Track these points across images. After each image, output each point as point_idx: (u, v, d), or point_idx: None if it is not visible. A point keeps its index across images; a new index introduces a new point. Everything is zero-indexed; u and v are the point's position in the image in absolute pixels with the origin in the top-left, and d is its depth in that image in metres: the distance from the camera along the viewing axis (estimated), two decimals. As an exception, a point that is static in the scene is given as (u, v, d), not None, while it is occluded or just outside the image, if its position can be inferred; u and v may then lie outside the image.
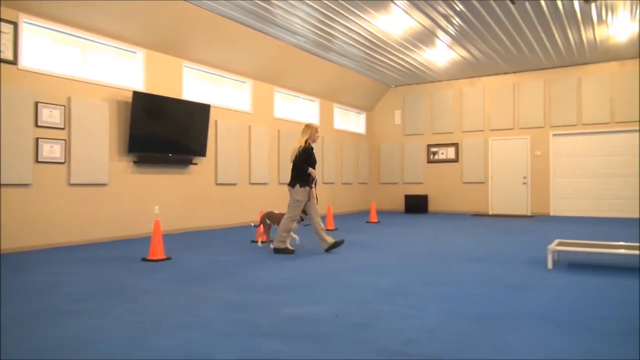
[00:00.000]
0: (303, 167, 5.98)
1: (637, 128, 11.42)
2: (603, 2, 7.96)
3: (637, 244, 5.13)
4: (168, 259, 5.63)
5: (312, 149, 6.10)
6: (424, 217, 12.23)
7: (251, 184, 10.22)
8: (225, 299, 3.70)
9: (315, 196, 6.15)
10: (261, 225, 6.72)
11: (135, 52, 7.97)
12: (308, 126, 6.19)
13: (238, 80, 10.07)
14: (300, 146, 6.05)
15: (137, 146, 7.66)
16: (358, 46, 10.26)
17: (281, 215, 6.45)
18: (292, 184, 6.06)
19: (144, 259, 5.57)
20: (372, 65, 11.99)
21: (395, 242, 7.18)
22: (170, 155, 8.22)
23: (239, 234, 8.30)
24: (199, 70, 9.13)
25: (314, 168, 6.06)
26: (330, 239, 6.13)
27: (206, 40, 8.62)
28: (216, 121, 9.31)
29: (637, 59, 11.40)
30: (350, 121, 14.24)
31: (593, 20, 8.81)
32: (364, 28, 9.08)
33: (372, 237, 7.87)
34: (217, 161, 9.35)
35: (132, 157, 7.77)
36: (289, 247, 6.12)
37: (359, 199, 14.26)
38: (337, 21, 8.68)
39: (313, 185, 6.08)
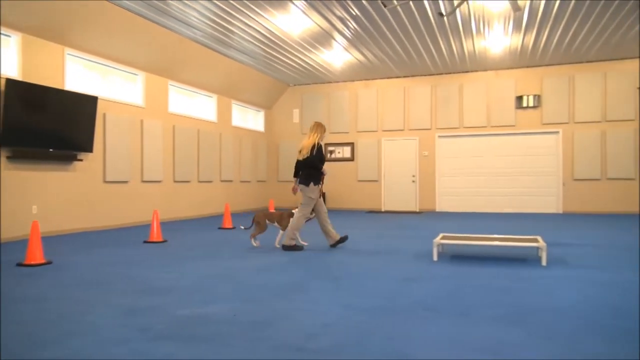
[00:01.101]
0: (318, 165, 6.07)
1: (510, 132, 12.71)
2: (481, 18, 8.73)
3: (510, 236, 5.72)
4: (48, 263, 5.17)
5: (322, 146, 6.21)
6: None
7: (144, 181, 9.73)
8: (115, 304, 3.49)
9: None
10: (254, 226, 6.38)
11: (9, 36, 7.18)
12: (319, 125, 6.27)
13: (129, 72, 9.51)
14: (314, 144, 6.10)
15: (10, 140, 6.92)
16: (257, 43, 10.22)
17: (280, 214, 6.33)
18: (305, 182, 6.07)
19: (20, 264, 5.06)
20: (271, 64, 12.01)
21: (294, 239, 7.27)
22: (50, 150, 7.54)
23: (130, 234, 7.86)
24: (84, 59, 8.47)
25: (323, 165, 6.20)
26: (336, 235, 6.25)
27: (92, 26, 8.03)
28: (104, 114, 8.72)
29: (510, 70, 12.68)
30: (248, 118, 14.13)
31: (472, 32, 9.63)
32: (263, 26, 9.06)
33: (269, 234, 7.88)
34: (106, 157, 8.76)
35: (5, 151, 7.00)
36: (299, 243, 6.23)
37: (258, 197, 14.21)
38: (236, 17, 8.57)
39: (322, 183, 6.19)
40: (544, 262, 4.98)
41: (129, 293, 3.83)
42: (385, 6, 7.66)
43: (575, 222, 9.78)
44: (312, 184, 6.05)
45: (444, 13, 7.85)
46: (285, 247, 6.10)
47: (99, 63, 8.79)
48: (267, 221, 6.35)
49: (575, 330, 2.82)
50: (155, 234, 6.96)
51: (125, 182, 9.25)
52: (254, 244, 6.40)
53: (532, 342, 2.63)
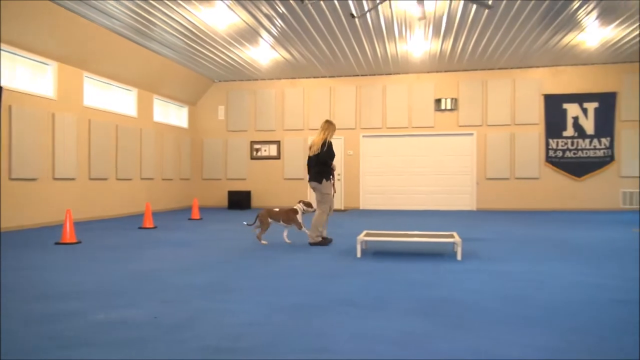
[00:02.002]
0: (328, 161, 6.31)
1: (429, 133, 13.31)
2: (403, 22, 9.07)
3: (428, 233, 6.01)
4: (-56, 268, 4.71)
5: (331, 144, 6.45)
6: (247, 213, 12.41)
7: (55, 178, 9.11)
8: (24, 311, 3.25)
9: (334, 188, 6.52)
10: (259, 225, 6.42)
11: None
12: (330, 123, 6.48)
13: (39, 62, 8.86)
14: (324, 142, 6.30)
15: None
16: (180, 37, 9.92)
17: (283, 212, 6.40)
18: (317, 179, 6.31)
19: None
20: (195, 58, 11.70)
21: (216, 238, 7.16)
22: (-54, 144, 6.86)
23: (40, 235, 7.34)
24: (-13, 45, 7.78)
25: (333, 162, 6.44)
26: (318, 238, 6.30)
27: (-3, 11, 7.39)
28: (10, 106, 8.06)
29: (430, 73, 13.27)
30: (171, 114, 13.67)
31: (395, 36, 9.98)
32: (186, 19, 8.82)
33: (192, 234, 7.71)
34: (12, 152, 8.10)
35: None
36: (327, 237, 6.42)
37: (181, 195, 13.81)
38: (157, 7, 8.26)
39: (333, 178, 6.44)
40: (459, 257, 5.28)
41: (38, 299, 3.59)
42: (302, 1, 7.75)
43: (487, 219, 10.45)
44: (324, 180, 6.30)
45: (355, 15, 8.04)
46: (313, 244, 6.27)
47: (4, 50, 8.10)
48: (270, 220, 6.45)
49: (485, 320, 3.02)
50: (68, 235, 6.55)
51: (34, 179, 8.62)
52: (262, 243, 6.47)
53: (444, 332, 2.79)
